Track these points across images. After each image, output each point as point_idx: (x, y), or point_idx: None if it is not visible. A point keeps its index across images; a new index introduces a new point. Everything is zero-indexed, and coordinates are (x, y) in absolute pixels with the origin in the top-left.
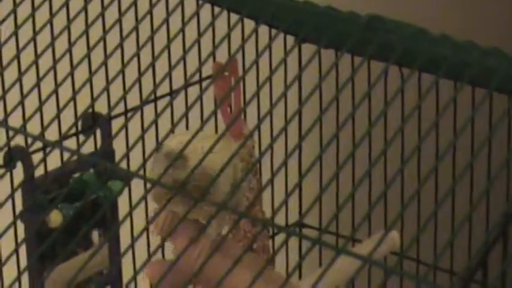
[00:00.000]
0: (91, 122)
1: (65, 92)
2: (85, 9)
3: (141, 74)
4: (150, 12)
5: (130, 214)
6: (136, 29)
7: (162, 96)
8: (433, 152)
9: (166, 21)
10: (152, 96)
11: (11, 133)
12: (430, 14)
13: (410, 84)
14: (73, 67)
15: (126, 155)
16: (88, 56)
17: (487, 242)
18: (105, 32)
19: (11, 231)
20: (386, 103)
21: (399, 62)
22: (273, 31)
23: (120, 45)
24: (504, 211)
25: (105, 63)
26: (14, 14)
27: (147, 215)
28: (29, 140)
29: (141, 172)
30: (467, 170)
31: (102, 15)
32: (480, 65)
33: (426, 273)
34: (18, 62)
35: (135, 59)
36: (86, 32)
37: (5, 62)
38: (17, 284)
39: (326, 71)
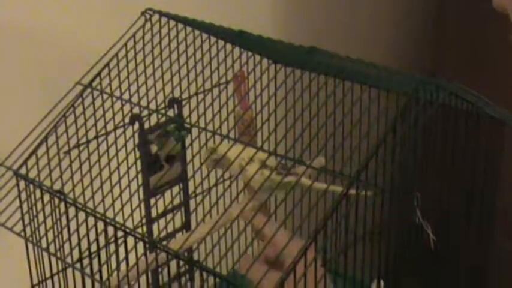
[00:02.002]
0: (172, 102)
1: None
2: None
3: (197, 76)
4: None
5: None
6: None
7: (208, 90)
8: None
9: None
10: (201, 89)
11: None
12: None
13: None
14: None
15: (189, 115)
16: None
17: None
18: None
19: (132, 155)
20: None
21: (326, 73)
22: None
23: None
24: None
25: (178, 71)
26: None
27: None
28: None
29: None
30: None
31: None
32: (379, 76)
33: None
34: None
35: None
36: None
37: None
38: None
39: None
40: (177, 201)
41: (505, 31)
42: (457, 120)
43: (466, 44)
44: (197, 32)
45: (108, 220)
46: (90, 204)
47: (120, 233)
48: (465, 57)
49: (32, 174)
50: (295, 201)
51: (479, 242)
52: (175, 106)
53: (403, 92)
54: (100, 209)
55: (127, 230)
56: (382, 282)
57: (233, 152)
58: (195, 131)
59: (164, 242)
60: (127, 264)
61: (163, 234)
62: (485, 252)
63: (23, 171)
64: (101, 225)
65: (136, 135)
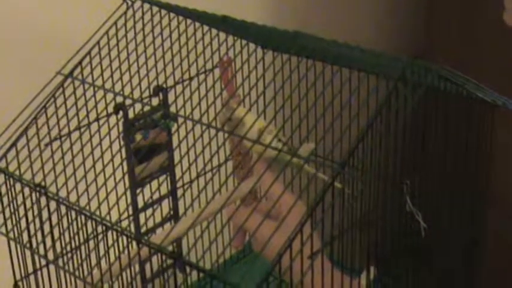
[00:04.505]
0: (157, 90)
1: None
2: None
3: (181, 62)
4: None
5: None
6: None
7: (193, 76)
8: None
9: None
10: (187, 76)
11: (114, 96)
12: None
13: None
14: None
15: (174, 101)
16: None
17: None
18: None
19: (116, 143)
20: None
21: (312, 57)
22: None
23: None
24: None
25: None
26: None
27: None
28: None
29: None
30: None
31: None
32: (366, 59)
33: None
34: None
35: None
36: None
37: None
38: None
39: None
40: (164, 191)
41: (498, 12)
42: (447, 104)
43: (456, 25)
44: (180, 18)
45: (88, 214)
46: (73, 198)
47: (103, 227)
48: (456, 39)
49: (12, 167)
50: (287, 181)
51: (472, 223)
52: (160, 94)
53: (390, 75)
54: (84, 202)
55: (108, 224)
56: (373, 270)
57: (249, 119)
58: (181, 118)
59: (151, 234)
60: (109, 258)
61: (150, 225)
62: (479, 233)
63: (2, 164)
64: (83, 219)
65: (120, 124)
